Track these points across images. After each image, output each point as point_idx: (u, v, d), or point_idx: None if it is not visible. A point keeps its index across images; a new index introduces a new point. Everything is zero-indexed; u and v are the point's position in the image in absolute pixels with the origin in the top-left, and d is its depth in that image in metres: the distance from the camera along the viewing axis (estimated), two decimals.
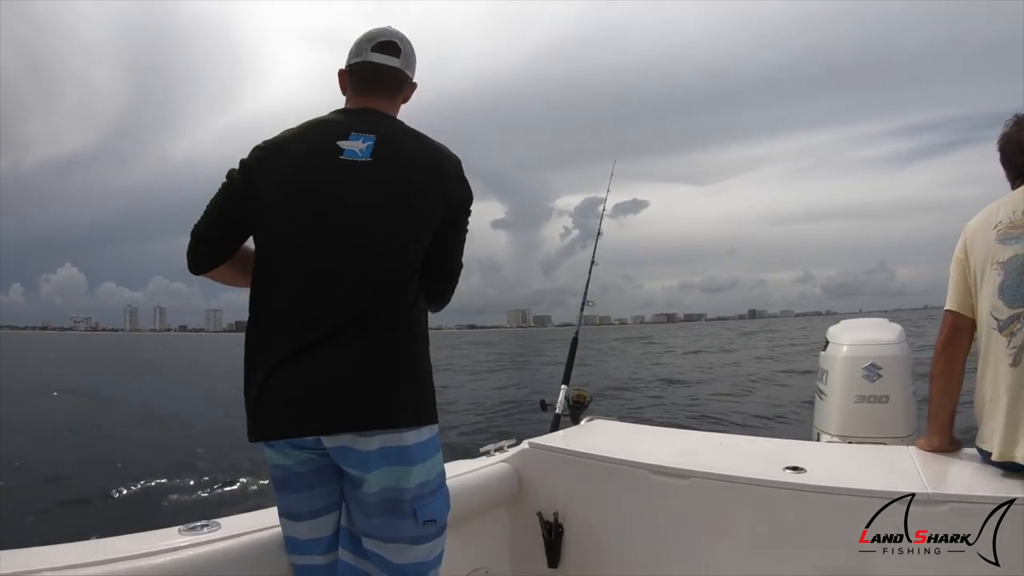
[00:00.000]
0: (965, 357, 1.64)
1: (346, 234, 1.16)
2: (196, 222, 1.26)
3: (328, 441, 1.13)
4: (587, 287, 3.04)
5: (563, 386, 2.54)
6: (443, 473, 1.24)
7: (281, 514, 1.25)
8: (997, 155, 1.73)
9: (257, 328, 1.19)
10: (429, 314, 1.30)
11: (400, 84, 1.33)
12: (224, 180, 1.25)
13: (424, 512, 1.16)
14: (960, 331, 1.62)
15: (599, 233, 3.15)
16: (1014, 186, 1.64)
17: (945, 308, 1.66)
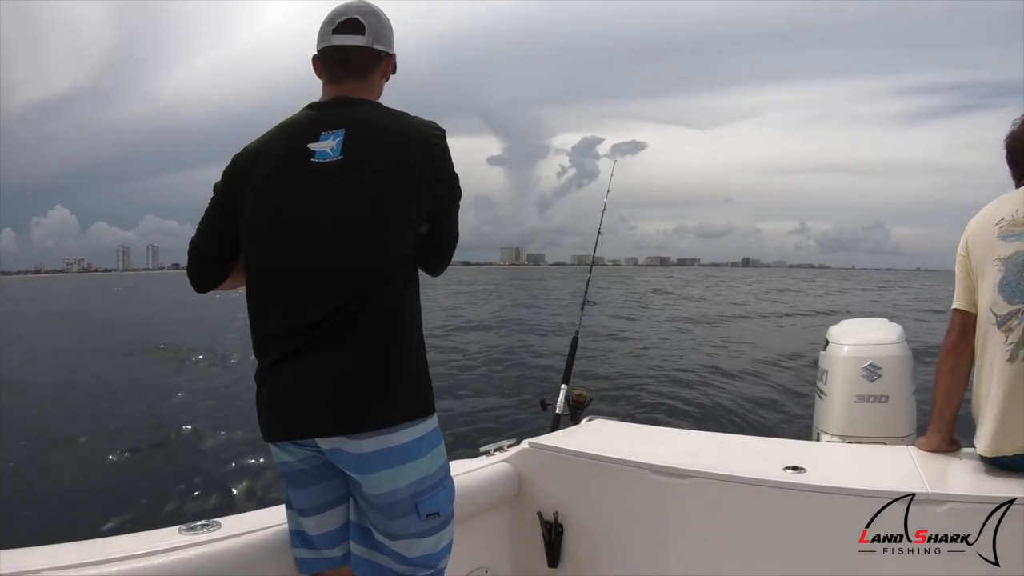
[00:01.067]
0: (973, 355, 1.63)
1: (326, 239, 1.15)
2: (192, 239, 1.28)
3: (322, 443, 1.14)
4: (587, 287, 3.04)
5: (563, 386, 2.54)
6: (445, 465, 1.24)
7: (289, 508, 1.27)
8: (1005, 144, 1.72)
9: (256, 331, 1.21)
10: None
11: (370, 63, 1.24)
12: (212, 195, 1.26)
13: (427, 506, 1.17)
14: (969, 329, 1.62)
15: (599, 233, 3.15)
16: (1019, 184, 1.65)
17: (953, 307, 1.66)
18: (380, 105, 1.26)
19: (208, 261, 1.27)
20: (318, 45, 1.25)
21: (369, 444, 1.11)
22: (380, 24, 1.24)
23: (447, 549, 1.25)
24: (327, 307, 1.12)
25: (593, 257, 3.18)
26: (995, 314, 1.52)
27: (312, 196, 1.15)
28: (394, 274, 1.16)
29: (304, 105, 1.25)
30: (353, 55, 1.23)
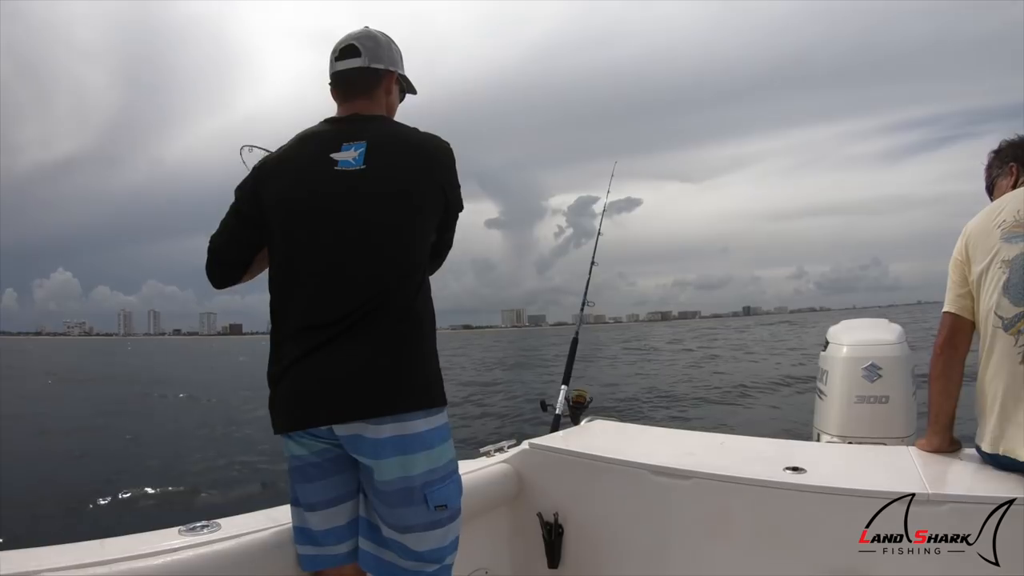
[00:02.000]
0: (964, 359, 1.63)
1: (351, 242, 1.22)
2: (214, 239, 1.35)
3: (340, 430, 1.18)
4: (587, 287, 3.04)
5: (563, 386, 2.55)
6: (454, 460, 1.28)
7: (296, 504, 1.28)
8: (987, 160, 1.77)
9: (276, 330, 1.26)
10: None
11: (371, 81, 1.35)
12: (233, 201, 1.34)
13: (435, 497, 1.20)
14: (959, 333, 1.62)
15: (599, 233, 3.15)
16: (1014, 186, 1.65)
17: (943, 310, 1.65)
18: (394, 121, 1.37)
19: (227, 263, 1.36)
20: (329, 75, 1.36)
21: (387, 430, 1.16)
22: (377, 45, 1.35)
23: (454, 544, 1.27)
24: (349, 305, 1.18)
25: (593, 257, 3.17)
26: (1001, 317, 1.50)
27: (337, 202, 1.23)
28: (412, 274, 1.24)
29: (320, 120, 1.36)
30: (353, 77, 1.34)
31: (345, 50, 1.34)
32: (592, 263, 3.16)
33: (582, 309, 2.98)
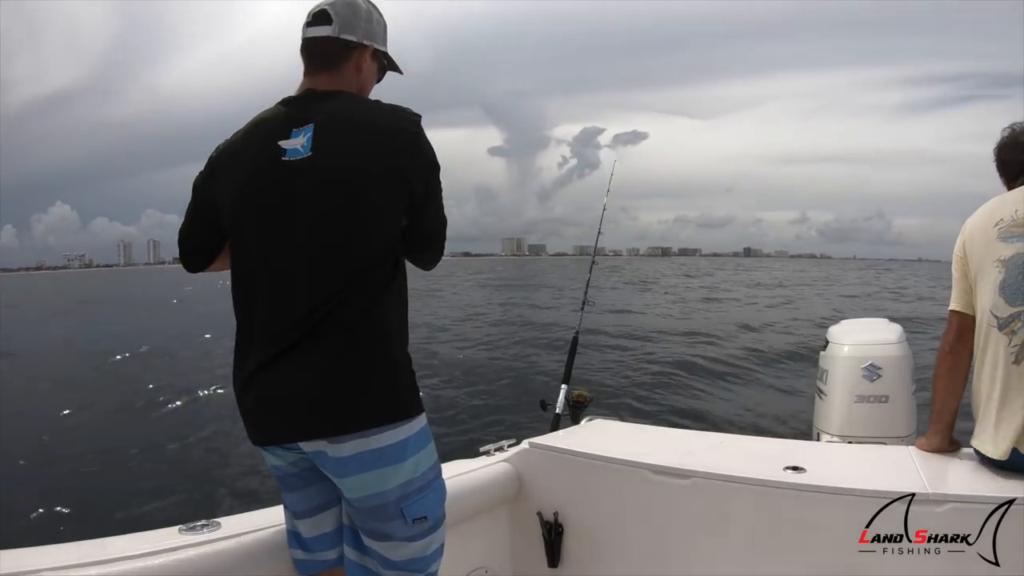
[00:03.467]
0: (971, 357, 1.63)
1: (299, 239, 1.12)
2: (179, 229, 1.29)
3: (306, 446, 1.13)
4: (587, 286, 3.04)
5: (563, 386, 2.54)
6: (434, 467, 1.21)
7: (285, 509, 1.27)
8: (1012, 117, 1.74)
9: (237, 338, 1.20)
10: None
11: (337, 53, 1.20)
12: (191, 192, 1.26)
13: (413, 511, 1.14)
14: (966, 331, 1.62)
15: (600, 233, 3.16)
16: (1012, 187, 1.65)
17: (950, 308, 1.65)
18: (353, 96, 1.21)
19: (192, 251, 1.29)
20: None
21: (348, 448, 1.08)
22: (353, 14, 1.19)
23: (437, 553, 1.22)
24: (301, 310, 1.10)
25: (593, 257, 3.18)
26: (996, 316, 1.51)
27: (283, 197, 1.12)
28: (370, 272, 1.12)
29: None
30: (318, 46, 1.20)
31: (316, 15, 1.18)
32: (593, 263, 3.17)
33: (583, 305, 2.97)
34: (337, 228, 1.11)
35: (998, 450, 1.45)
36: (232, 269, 1.22)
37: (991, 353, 1.52)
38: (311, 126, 1.13)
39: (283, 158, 1.13)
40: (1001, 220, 1.56)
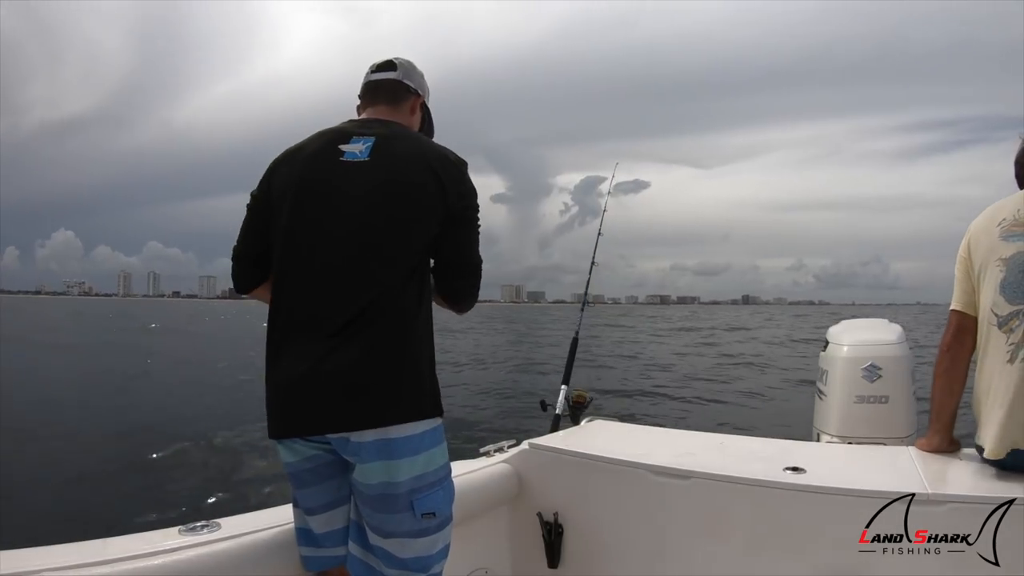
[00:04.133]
0: (970, 356, 1.64)
1: (346, 232, 1.20)
2: (234, 245, 1.35)
3: (330, 435, 1.16)
4: (587, 288, 3.05)
5: (563, 386, 2.54)
6: (446, 466, 1.24)
7: (297, 506, 1.28)
8: (1008, 160, 1.77)
9: (273, 329, 1.23)
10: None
11: (400, 92, 1.38)
12: (248, 202, 1.33)
13: (423, 505, 1.17)
14: (965, 331, 1.63)
15: (600, 234, 3.16)
16: None
17: (950, 308, 1.66)
18: (411, 128, 1.38)
19: (246, 259, 1.34)
20: (361, 88, 1.40)
21: (368, 434, 1.13)
22: (412, 69, 1.41)
23: (443, 553, 1.24)
24: (343, 307, 1.16)
25: (593, 257, 3.17)
26: (996, 315, 1.52)
27: (336, 193, 1.22)
28: (411, 276, 1.20)
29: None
30: (385, 84, 1.38)
31: (383, 64, 1.39)
32: (592, 263, 3.17)
33: (582, 309, 2.98)
34: (388, 230, 1.20)
35: (994, 449, 1.46)
36: (275, 256, 1.27)
37: (991, 351, 1.53)
38: (372, 138, 1.26)
39: (341, 158, 1.24)
40: (1003, 219, 1.57)
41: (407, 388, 1.16)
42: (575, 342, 2.83)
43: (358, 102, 1.40)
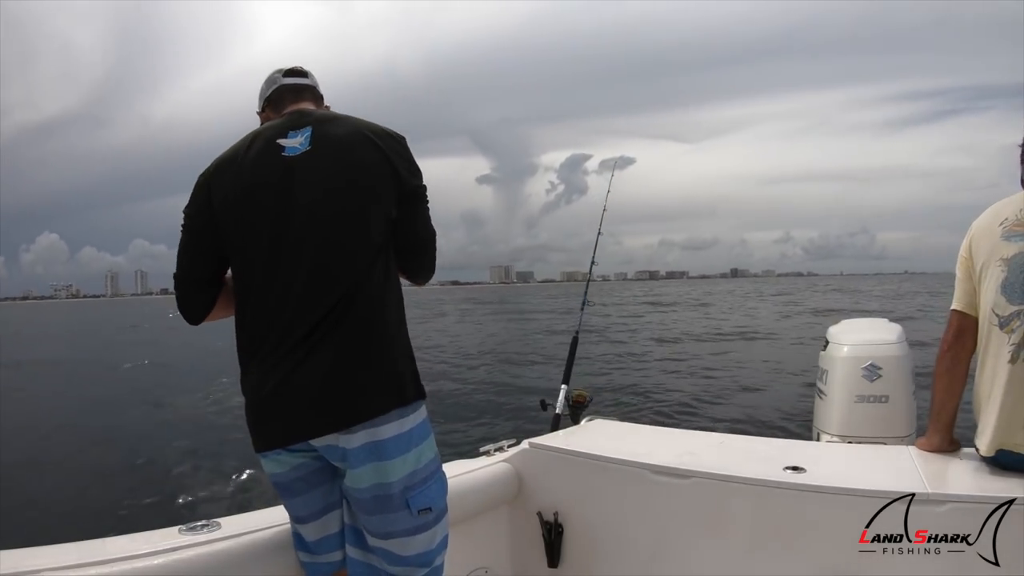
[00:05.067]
0: (970, 357, 1.64)
1: (302, 230, 1.15)
2: (174, 272, 1.26)
3: (315, 442, 1.15)
4: (587, 288, 3.05)
5: (563, 386, 2.54)
6: (436, 458, 1.23)
7: (289, 517, 1.28)
8: (993, 131, 1.74)
9: (241, 347, 1.21)
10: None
11: (318, 97, 1.35)
12: (182, 221, 1.24)
13: (417, 501, 1.16)
14: (966, 331, 1.62)
15: (600, 233, 3.16)
16: None
17: (951, 308, 1.66)
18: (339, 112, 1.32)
19: (186, 283, 1.26)
20: (265, 95, 1.32)
21: (359, 438, 1.11)
22: (315, 78, 1.37)
23: (443, 544, 1.24)
24: (308, 311, 1.12)
25: (593, 257, 3.18)
26: (997, 315, 1.52)
27: (285, 195, 1.16)
28: (372, 261, 1.16)
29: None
30: (308, 88, 1.34)
31: (292, 71, 1.33)
32: (592, 263, 3.17)
33: (582, 309, 2.98)
34: (343, 216, 1.16)
35: (993, 449, 1.46)
36: (233, 269, 1.23)
37: (992, 352, 1.53)
38: (308, 127, 1.20)
39: (283, 154, 1.18)
40: (1005, 219, 1.57)
41: (385, 378, 1.14)
42: (575, 341, 2.83)
43: (260, 109, 1.34)
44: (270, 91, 1.32)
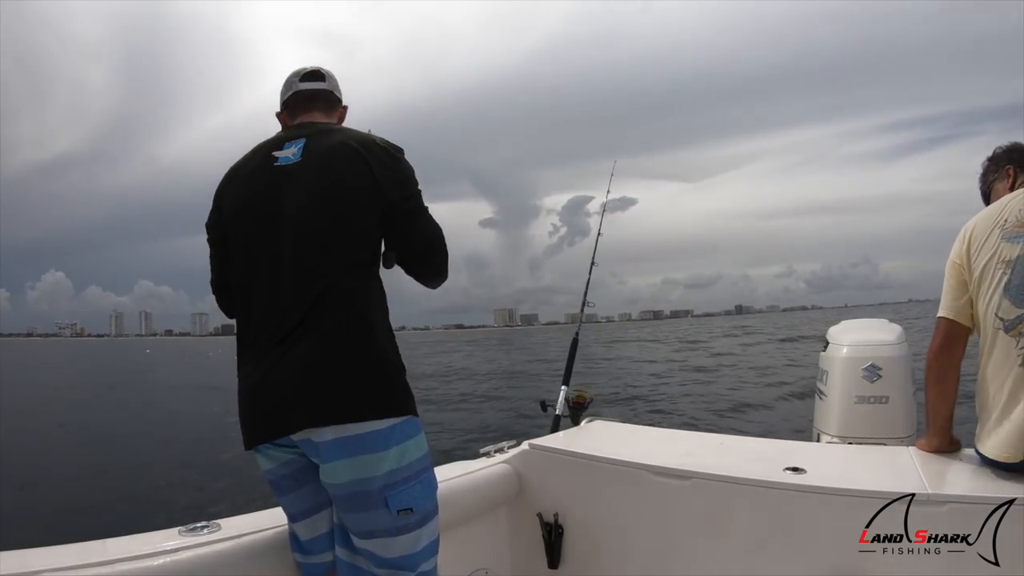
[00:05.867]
0: (959, 363, 1.61)
1: (288, 239, 1.19)
2: (210, 278, 1.38)
3: (295, 437, 1.16)
4: (587, 287, 3.04)
5: (563, 387, 2.54)
6: (423, 460, 1.21)
7: (286, 515, 1.28)
8: (982, 168, 1.79)
9: (238, 338, 1.26)
10: (419, 313, 1.33)
11: (332, 101, 1.41)
12: (206, 236, 1.36)
13: (397, 501, 1.14)
14: (954, 339, 1.59)
15: (600, 233, 3.15)
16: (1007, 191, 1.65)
17: (939, 315, 1.62)
18: (343, 126, 1.37)
19: (220, 289, 1.36)
20: (284, 98, 1.39)
21: (328, 432, 1.11)
22: (335, 79, 1.42)
23: (430, 549, 1.22)
24: (291, 311, 1.15)
25: (593, 257, 3.17)
26: (1002, 318, 1.48)
27: (274, 203, 1.22)
28: (351, 264, 1.19)
29: None
30: (319, 94, 1.39)
31: (310, 74, 1.39)
32: (592, 263, 3.16)
33: (582, 309, 2.97)
34: (328, 226, 1.19)
35: (1005, 453, 1.43)
36: (237, 279, 1.28)
37: (997, 356, 1.49)
38: (303, 139, 1.27)
39: (275, 164, 1.25)
40: (1006, 221, 1.54)
41: (368, 382, 1.14)
42: (575, 342, 2.83)
43: (279, 110, 1.39)
44: (287, 95, 1.38)
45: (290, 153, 1.25)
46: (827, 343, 2.51)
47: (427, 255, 1.33)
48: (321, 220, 1.19)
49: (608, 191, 3.25)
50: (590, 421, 2.34)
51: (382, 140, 1.29)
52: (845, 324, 2.61)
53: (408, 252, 1.29)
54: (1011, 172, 1.71)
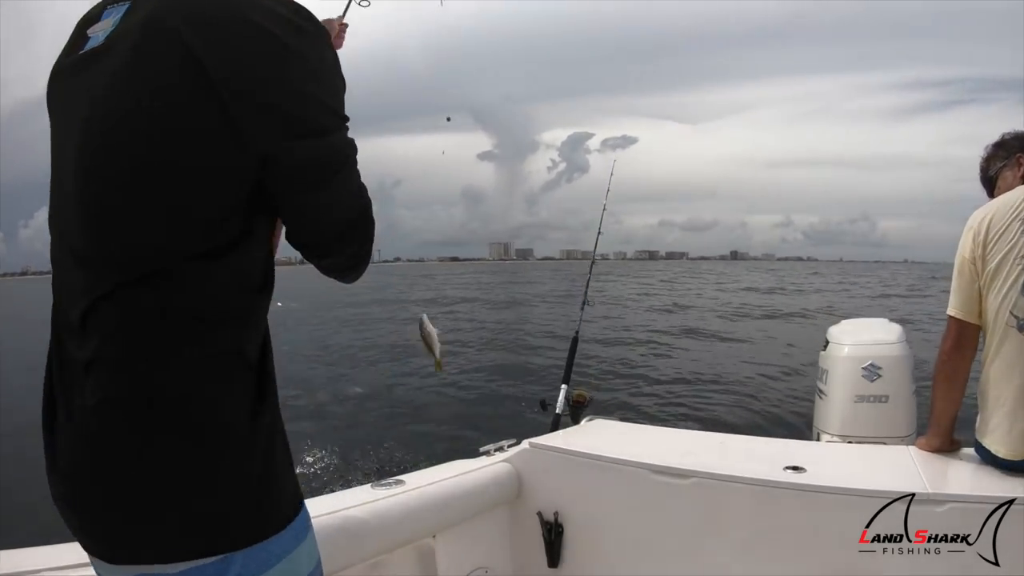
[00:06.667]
0: (971, 363, 1.60)
1: (69, 185, 0.70)
2: None
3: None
4: (587, 286, 3.04)
5: (563, 386, 2.54)
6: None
7: None
8: (999, 123, 1.75)
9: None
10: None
11: None
12: None
13: None
14: (966, 339, 1.57)
15: (599, 233, 3.16)
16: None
17: (949, 313, 1.60)
18: None
19: None
20: None
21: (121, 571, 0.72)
22: None
23: None
24: (76, 318, 0.68)
25: (593, 258, 3.18)
26: (1016, 316, 1.46)
27: (68, 110, 0.72)
28: (162, 268, 0.65)
29: None
30: None
31: None
32: (593, 262, 3.17)
33: (582, 308, 2.97)
34: (109, 186, 0.67)
35: (1013, 451, 1.43)
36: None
37: (1008, 353, 1.47)
38: (127, 3, 0.71)
39: (80, 52, 0.73)
40: (1022, 212, 1.48)
41: (173, 510, 0.66)
42: (575, 342, 2.82)
43: None
44: None
45: (101, 29, 0.71)
46: (827, 342, 2.51)
47: (337, 238, 0.77)
48: (115, 174, 0.66)
49: (608, 190, 3.25)
50: (590, 420, 2.34)
51: (247, 6, 0.67)
52: (845, 324, 2.61)
53: (302, 236, 0.76)
54: (1023, 161, 1.67)
